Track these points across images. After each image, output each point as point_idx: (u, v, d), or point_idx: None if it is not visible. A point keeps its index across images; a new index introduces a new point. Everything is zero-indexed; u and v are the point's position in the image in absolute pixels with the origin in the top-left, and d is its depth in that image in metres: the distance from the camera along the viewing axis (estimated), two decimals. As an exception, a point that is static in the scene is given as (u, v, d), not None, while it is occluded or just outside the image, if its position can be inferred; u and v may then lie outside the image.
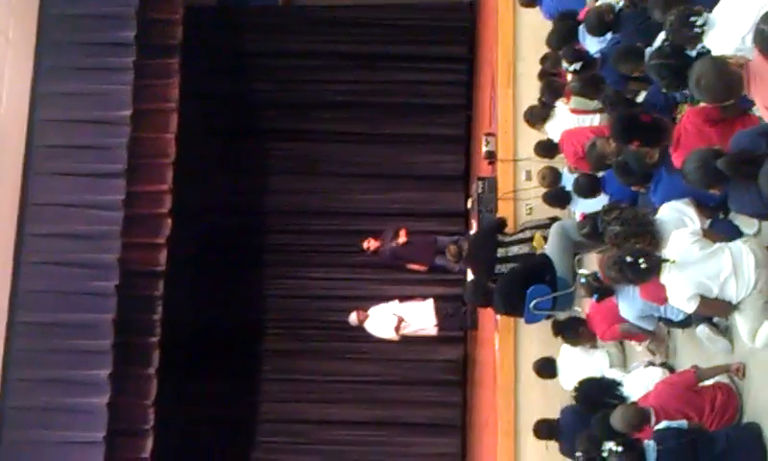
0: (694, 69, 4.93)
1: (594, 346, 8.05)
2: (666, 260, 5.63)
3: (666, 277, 5.65)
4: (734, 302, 5.54)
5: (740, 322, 5.65)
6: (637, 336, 7.25)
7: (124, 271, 10.83)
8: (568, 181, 8.43)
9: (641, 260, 5.64)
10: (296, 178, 13.72)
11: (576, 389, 7.34)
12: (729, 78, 4.77)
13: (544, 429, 7.95)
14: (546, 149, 8.99)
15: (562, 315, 8.25)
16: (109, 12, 11.34)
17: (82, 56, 11.32)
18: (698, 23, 5.32)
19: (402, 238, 11.72)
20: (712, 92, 4.85)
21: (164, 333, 11.18)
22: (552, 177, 8.86)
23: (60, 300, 10.86)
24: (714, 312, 5.96)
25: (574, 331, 7.51)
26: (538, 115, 8.93)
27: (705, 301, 5.61)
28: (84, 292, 10.83)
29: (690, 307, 5.65)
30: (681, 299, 5.66)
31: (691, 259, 5.57)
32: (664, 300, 6.04)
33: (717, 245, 5.61)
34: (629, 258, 5.70)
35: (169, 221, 11.26)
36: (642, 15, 6.67)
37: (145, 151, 11.31)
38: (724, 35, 5.16)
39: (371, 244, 11.82)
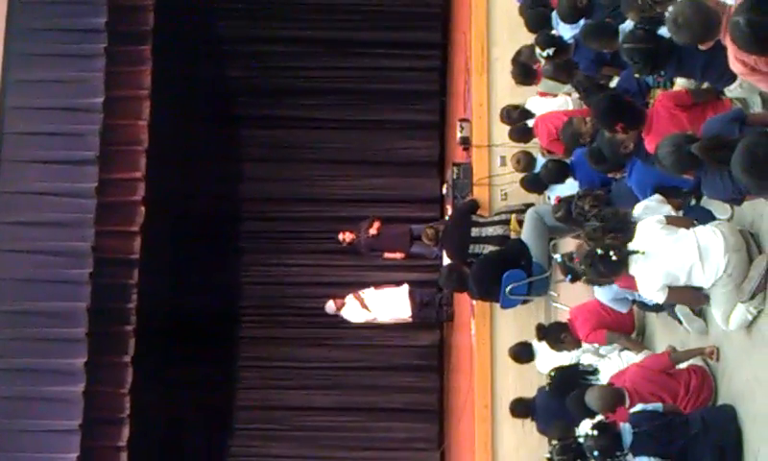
0: (672, 11, 4.90)
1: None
2: (636, 252, 5.67)
3: (635, 268, 5.69)
4: (705, 287, 5.57)
5: (713, 306, 5.70)
6: (621, 342, 7.29)
7: (98, 259, 10.77)
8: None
9: (612, 253, 5.70)
10: (271, 164, 13.67)
11: (551, 376, 7.38)
12: (707, 13, 4.75)
13: (520, 408, 8.01)
14: (521, 133, 9.00)
15: (539, 305, 8.28)
16: (80, -2, 11.26)
17: (53, 43, 11.21)
18: None
19: (374, 230, 11.68)
20: (691, 29, 4.78)
21: (140, 321, 11.14)
22: (526, 161, 8.89)
23: (34, 288, 10.79)
24: (685, 301, 6.01)
25: (557, 337, 7.53)
26: (515, 118, 8.96)
27: (674, 290, 5.65)
28: (57, 280, 10.77)
29: (660, 298, 5.71)
30: (650, 290, 5.71)
31: (659, 249, 5.60)
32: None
33: (682, 231, 5.64)
34: (599, 252, 5.75)
35: (143, 208, 11.19)
36: (614, 4, 6.67)
37: (118, 138, 11.23)
38: None
39: (346, 236, 11.79)
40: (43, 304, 10.72)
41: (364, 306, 11.58)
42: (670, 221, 5.77)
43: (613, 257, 5.66)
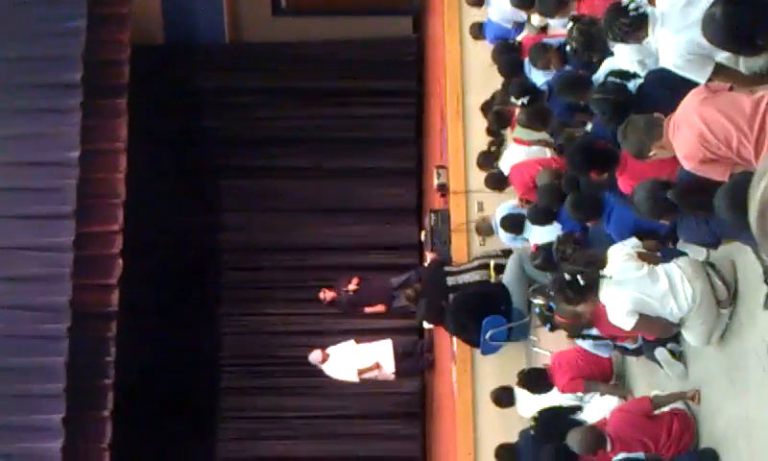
0: (622, 124, 5.06)
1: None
2: (604, 277, 5.71)
3: (605, 293, 5.75)
4: (678, 318, 5.61)
5: (689, 335, 5.76)
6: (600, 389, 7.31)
7: (76, 313, 10.70)
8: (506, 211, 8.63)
9: (579, 277, 5.75)
10: (249, 214, 13.69)
11: (535, 419, 7.38)
12: (648, 119, 4.89)
13: (506, 455, 7.96)
14: (497, 181, 9.08)
15: (520, 351, 8.31)
16: (56, 53, 11.27)
17: (29, 98, 11.23)
18: (631, 7, 5.27)
19: (353, 286, 11.63)
20: (634, 135, 4.96)
21: (118, 375, 11.05)
22: (487, 227, 9.06)
23: (11, 344, 10.71)
24: (653, 331, 6.02)
25: (537, 384, 7.56)
26: (489, 160, 9.05)
27: (644, 318, 5.69)
28: (35, 336, 10.69)
29: (629, 324, 5.73)
30: (619, 314, 5.74)
31: (629, 277, 5.68)
32: (624, 338, 6.14)
33: (651, 266, 5.71)
34: (567, 276, 5.80)
35: (120, 262, 11.14)
36: (585, 64, 6.73)
37: (95, 191, 11.22)
38: (673, 23, 5.20)
39: (326, 294, 11.76)
40: (21, 360, 10.63)
41: (361, 375, 11.47)
42: (640, 256, 5.83)
43: (582, 281, 5.72)
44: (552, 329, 6.98)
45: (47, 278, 10.83)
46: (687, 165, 4.67)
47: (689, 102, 4.62)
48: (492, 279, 9.15)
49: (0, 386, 10.58)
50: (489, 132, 9.29)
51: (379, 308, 11.66)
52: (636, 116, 5.00)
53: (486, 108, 9.37)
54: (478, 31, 9.73)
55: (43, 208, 10.99)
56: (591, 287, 5.79)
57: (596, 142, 6.34)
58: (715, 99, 4.46)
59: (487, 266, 9.43)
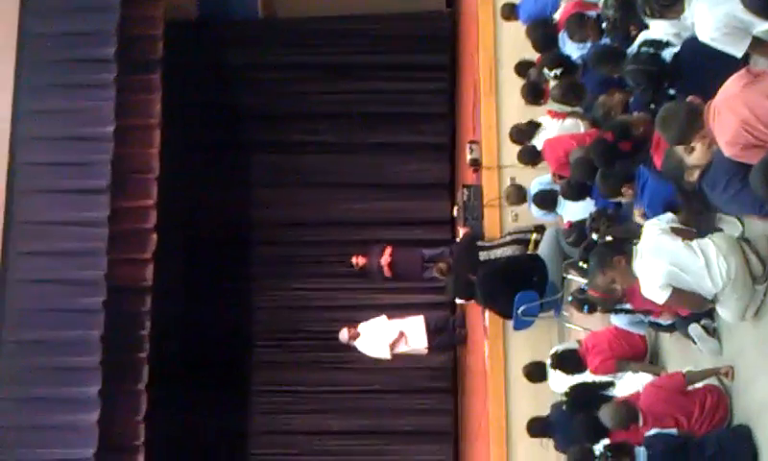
0: (660, 111, 5.01)
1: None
2: (635, 243, 5.68)
3: (639, 264, 5.71)
4: (713, 294, 5.57)
5: (724, 311, 5.71)
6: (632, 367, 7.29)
7: (111, 287, 10.81)
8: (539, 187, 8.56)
9: (609, 234, 5.73)
10: (281, 189, 13.73)
11: (567, 394, 7.38)
12: (690, 109, 4.83)
13: (537, 427, 7.99)
14: (530, 156, 9.01)
15: (551, 326, 8.30)
16: (90, 29, 11.33)
17: (63, 73, 11.31)
18: None
19: (386, 257, 11.65)
20: (675, 125, 4.90)
21: (153, 348, 11.16)
22: (516, 194, 8.98)
23: (48, 317, 10.84)
24: (687, 305, 5.98)
25: (571, 366, 7.54)
26: (524, 133, 8.97)
27: (677, 292, 5.65)
28: (71, 309, 10.81)
29: (662, 297, 5.68)
30: (653, 287, 5.70)
31: (663, 250, 5.64)
32: (658, 313, 6.11)
33: (685, 242, 5.67)
34: (595, 237, 5.79)
35: (155, 236, 11.24)
36: (621, 37, 6.66)
37: (129, 166, 11.31)
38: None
39: (359, 260, 11.80)
40: (57, 333, 10.76)
41: (393, 348, 11.45)
42: (675, 230, 5.80)
43: (609, 239, 5.69)
44: (590, 311, 6.97)
45: (82, 252, 10.95)
46: (729, 151, 4.62)
47: (731, 87, 4.57)
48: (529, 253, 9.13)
49: (37, 359, 10.72)
50: (529, 89, 9.05)
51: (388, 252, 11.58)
52: (675, 106, 4.93)
53: (521, 69, 9.23)
54: (510, 11, 9.64)
55: (78, 183, 11.11)
56: (623, 244, 5.77)
57: (619, 144, 6.28)
58: (758, 84, 4.42)
59: (519, 242, 9.39)
